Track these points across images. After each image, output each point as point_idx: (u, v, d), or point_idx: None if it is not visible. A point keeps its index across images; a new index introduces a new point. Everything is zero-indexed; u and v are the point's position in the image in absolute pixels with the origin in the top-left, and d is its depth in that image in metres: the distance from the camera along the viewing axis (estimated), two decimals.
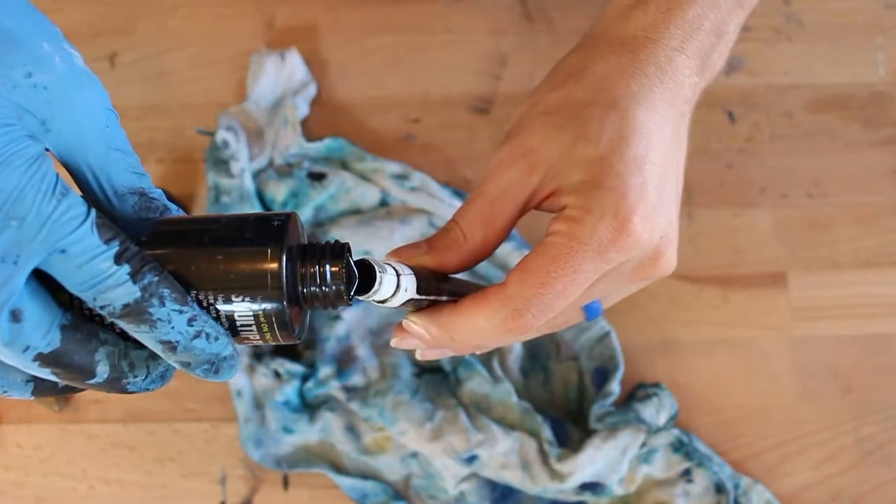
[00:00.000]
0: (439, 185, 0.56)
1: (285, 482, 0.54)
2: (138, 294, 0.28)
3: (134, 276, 0.28)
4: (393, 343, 0.37)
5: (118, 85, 0.60)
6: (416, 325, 0.35)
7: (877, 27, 0.60)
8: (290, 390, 0.54)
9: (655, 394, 0.53)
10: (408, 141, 0.59)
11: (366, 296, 0.30)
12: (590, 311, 0.39)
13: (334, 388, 0.54)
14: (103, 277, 0.28)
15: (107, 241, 0.27)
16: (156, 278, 0.28)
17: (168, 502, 0.54)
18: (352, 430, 0.53)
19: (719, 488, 0.52)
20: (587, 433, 0.52)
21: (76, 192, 0.27)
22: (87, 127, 0.29)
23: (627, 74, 0.35)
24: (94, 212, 0.27)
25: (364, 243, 0.55)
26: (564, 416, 0.54)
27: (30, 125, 0.27)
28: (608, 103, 0.34)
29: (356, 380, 0.54)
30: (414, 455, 0.53)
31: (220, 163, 0.57)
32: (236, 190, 0.57)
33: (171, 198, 0.56)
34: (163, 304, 0.28)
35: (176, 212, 0.31)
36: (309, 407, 0.54)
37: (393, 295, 0.30)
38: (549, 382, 0.55)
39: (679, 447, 0.52)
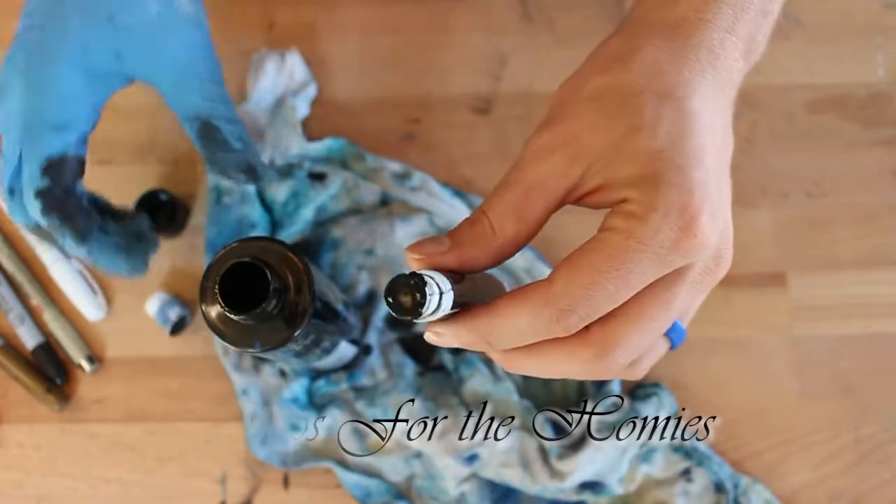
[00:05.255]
0: (440, 185, 0.56)
1: (286, 482, 0.54)
2: (45, 224, 0.41)
3: (43, 210, 0.41)
4: (427, 338, 0.33)
5: None
6: (445, 334, 0.32)
7: (877, 27, 0.60)
8: (297, 388, 0.54)
9: (655, 393, 0.53)
10: (408, 141, 0.59)
11: (412, 317, 0.29)
12: (675, 337, 0.36)
13: (343, 389, 0.54)
14: (28, 200, 0.41)
15: (41, 175, 0.41)
16: (59, 219, 0.41)
17: (168, 502, 0.54)
18: (357, 430, 0.53)
19: (719, 488, 0.52)
20: (587, 432, 0.52)
21: (78, 133, 0.43)
22: (165, 59, 0.41)
23: (680, 60, 0.32)
24: (57, 156, 0.41)
25: (365, 242, 0.55)
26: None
27: (96, 57, 0.40)
28: (662, 92, 0.31)
29: (365, 380, 0.54)
30: (417, 455, 0.53)
31: None
32: (238, 191, 0.57)
33: (171, 198, 0.57)
34: (63, 237, 0.41)
35: (235, 142, 0.43)
36: (316, 406, 0.54)
37: (432, 313, 0.29)
38: (549, 382, 0.55)
39: (679, 447, 0.52)
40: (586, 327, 0.31)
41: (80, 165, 0.43)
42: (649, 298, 0.31)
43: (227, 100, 0.44)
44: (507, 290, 0.34)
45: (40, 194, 0.41)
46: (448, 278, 0.30)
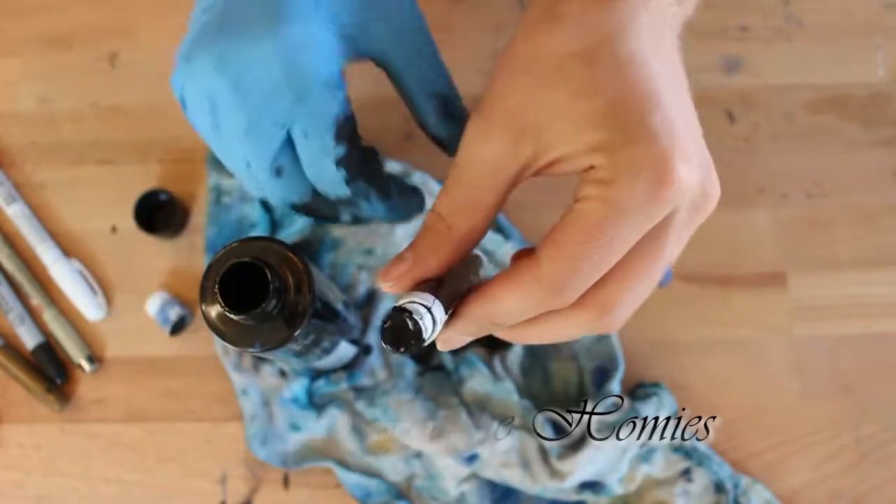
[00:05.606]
0: (440, 185, 0.56)
1: (285, 482, 0.54)
2: (348, 194, 0.36)
3: (349, 181, 0.36)
4: (441, 349, 0.33)
5: (118, 85, 0.60)
6: (452, 337, 0.33)
7: (876, 27, 0.60)
8: (297, 388, 0.54)
9: (655, 393, 0.53)
10: (408, 140, 0.59)
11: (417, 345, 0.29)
12: (663, 278, 0.34)
13: (343, 389, 0.54)
14: (324, 174, 0.36)
15: (337, 143, 0.35)
16: (365, 184, 0.36)
17: (168, 502, 0.54)
18: (357, 429, 0.53)
19: (719, 488, 0.52)
20: (587, 432, 0.52)
21: (344, 90, 0.35)
22: (403, 34, 0.37)
23: (607, 6, 0.30)
24: (342, 115, 0.35)
25: (365, 242, 0.55)
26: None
27: (344, 19, 0.35)
28: (595, 45, 0.29)
29: (365, 380, 0.54)
30: (418, 456, 0.53)
31: (221, 163, 0.57)
32: (237, 190, 0.57)
33: (172, 198, 0.57)
34: (368, 200, 0.37)
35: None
36: (316, 406, 0.54)
37: (433, 330, 0.30)
38: (550, 381, 0.55)
39: (679, 447, 0.52)
40: (582, 294, 0.30)
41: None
42: (639, 254, 0.30)
43: (450, 75, 0.40)
44: (484, 259, 0.35)
45: (342, 162, 0.36)
46: (427, 290, 0.30)
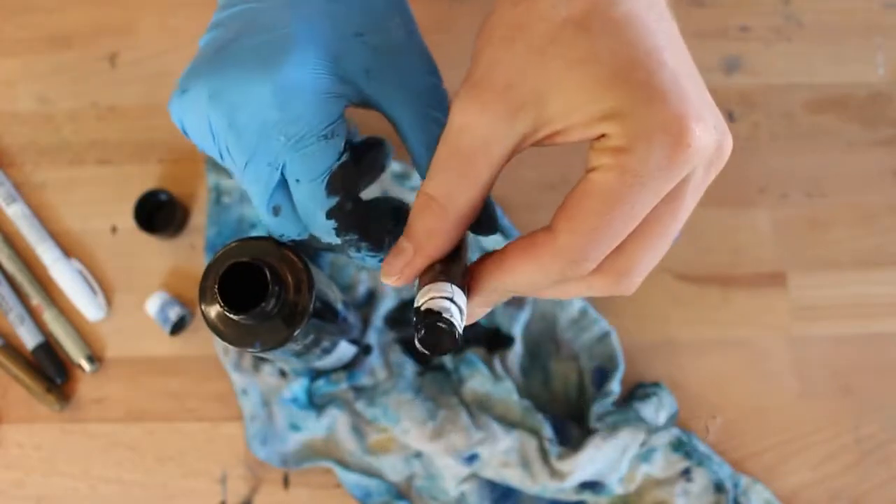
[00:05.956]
0: None
1: (285, 482, 0.54)
2: (339, 243, 0.35)
3: (338, 232, 0.35)
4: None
5: (118, 85, 0.60)
6: (473, 312, 0.32)
7: (876, 27, 0.60)
8: (297, 388, 0.54)
9: (655, 393, 0.53)
10: None
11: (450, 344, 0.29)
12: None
13: (343, 389, 0.54)
14: (315, 222, 0.35)
15: (328, 194, 0.34)
16: (356, 237, 0.35)
17: (168, 502, 0.54)
18: (357, 429, 0.53)
19: (719, 487, 0.52)
20: (587, 432, 0.52)
21: (343, 139, 0.34)
22: (409, 87, 0.35)
23: None
24: (336, 166, 0.34)
25: None
26: (565, 416, 0.54)
27: (349, 69, 0.34)
28: (587, 9, 0.28)
29: (365, 380, 0.54)
30: (418, 455, 0.53)
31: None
32: (237, 190, 0.57)
33: (171, 198, 0.57)
34: (358, 251, 0.36)
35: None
36: (316, 406, 0.54)
37: (461, 316, 0.29)
38: (550, 381, 0.55)
39: (679, 446, 0.52)
40: (551, 234, 0.30)
41: (357, 165, 0.36)
42: (656, 218, 0.30)
43: None
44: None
45: (332, 214, 0.35)
46: (438, 277, 0.30)
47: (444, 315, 0.28)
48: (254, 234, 0.56)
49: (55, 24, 0.61)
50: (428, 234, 0.31)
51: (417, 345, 0.29)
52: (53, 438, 0.56)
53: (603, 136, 0.28)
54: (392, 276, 0.31)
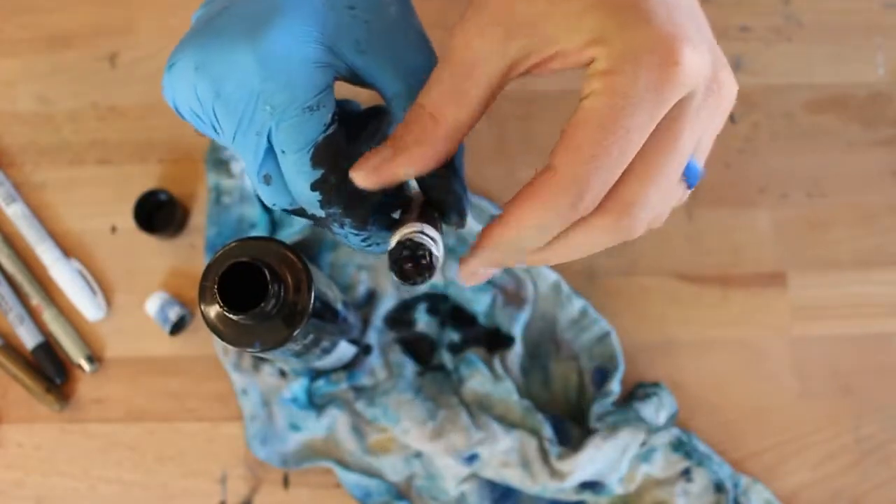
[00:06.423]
0: None
1: (285, 482, 0.54)
2: (322, 216, 0.35)
3: (323, 203, 0.34)
4: (467, 283, 0.33)
5: (118, 85, 0.60)
6: (478, 269, 0.32)
7: (876, 27, 0.60)
8: (297, 388, 0.54)
9: (655, 393, 0.53)
10: None
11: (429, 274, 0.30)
12: (690, 176, 0.34)
13: (343, 389, 0.54)
14: (300, 192, 0.34)
15: (313, 166, 0.33)
16: (339, 210, 0.34)
17: (168, 502, 0.54)
18: (357, 429, 0.53)
19: (719, 487, 0.52)
20: (587, 432, 0.52)
21: (330, 111, 0.33)
22: (401, 64, 0.35)
23: None
24: (322, 138, 0.33)
25: None
26: (565, 416, 0.54)
27: (338, 40, 0.34)
28: None
29: (365, 380, 0.54)
30: (418, 455, 0.53)
31: (221, 163, 0.57)
32: (237, 190, 0.57)
33: (171, 198, 0.57)
34: (342, 227, 0.35)
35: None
36: (315, 406, 0.54)
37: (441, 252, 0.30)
38: (550, 381, 0.55)
39: (679, 446, 0.52)
40: (549, 170, 0.30)
41: (345, 136, 0.36)
42: (654, 145, 0.30)
43: None
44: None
45: (317, 186, 0.34)
46: (421, 221, 0.31)
47: (416, 239, 0.29)
48: (254, 234, 0.56)
49: (55, 24, 0.61)
50: (414, 141, 0.31)
51: (393, 276, 0.30)
52: (53, 438, 0.56)
53: (592, 60, 0.28)
54: (362, 171, 0.31)
